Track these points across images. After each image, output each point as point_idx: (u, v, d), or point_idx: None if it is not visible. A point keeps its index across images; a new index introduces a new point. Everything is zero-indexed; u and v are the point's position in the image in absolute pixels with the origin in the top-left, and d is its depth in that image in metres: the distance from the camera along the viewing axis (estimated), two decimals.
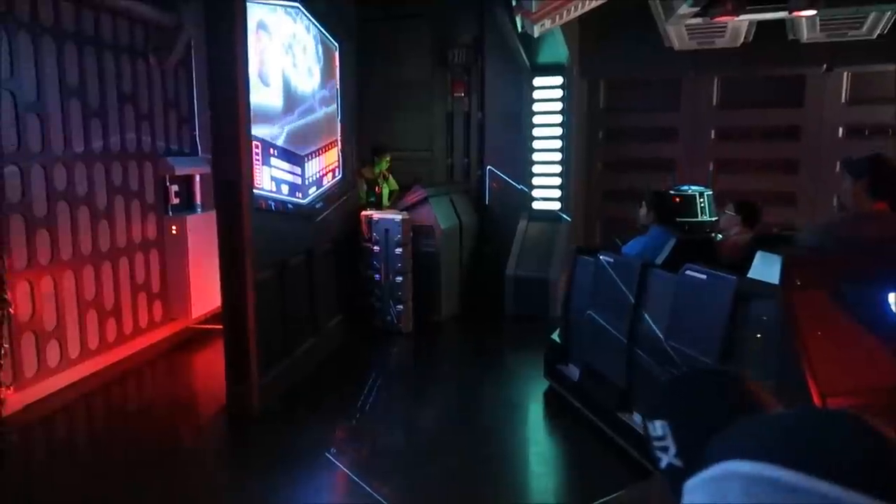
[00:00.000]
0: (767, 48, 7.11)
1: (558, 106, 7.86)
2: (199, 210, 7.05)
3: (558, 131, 7.90)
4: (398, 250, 6.73)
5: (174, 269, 6.76)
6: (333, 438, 4.77)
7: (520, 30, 6.15)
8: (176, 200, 6.87)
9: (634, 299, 4.32)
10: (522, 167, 8.15)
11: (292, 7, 5.81)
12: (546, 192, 8.03)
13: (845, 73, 7.31)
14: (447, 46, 8.36)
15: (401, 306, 6.81)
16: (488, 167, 8.42)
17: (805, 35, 6.51)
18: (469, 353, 6.98)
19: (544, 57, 7.76)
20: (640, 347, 4.24)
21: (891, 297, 3.13)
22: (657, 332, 4.03)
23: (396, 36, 8.49)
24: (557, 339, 5.53)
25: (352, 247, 7.05)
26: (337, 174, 6.95)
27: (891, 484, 0.47)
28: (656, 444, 0.68)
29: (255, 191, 4.98)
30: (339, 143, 6.99)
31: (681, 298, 3.88)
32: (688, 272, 3.84)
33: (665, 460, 0.67)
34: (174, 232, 6.69)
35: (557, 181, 7.96)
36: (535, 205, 8.06)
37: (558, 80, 7.82)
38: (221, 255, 4.77)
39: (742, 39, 6.73)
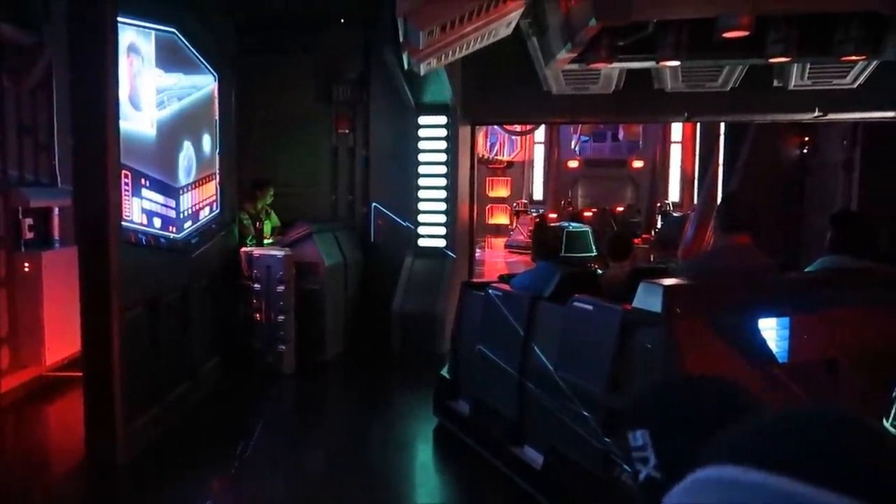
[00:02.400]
0: (636, 96, 7.59)
1: (442, 145, 7.97)
2: (56, 245, 6.45)
3: (443, 170, 7.99)
4: (280, 288, 6.46)
5: (25, 311, 6.11)
6: (210, 491, 4.42)
7: (406, 67, 6.20)
8: (30, 235, 6.26)
9: (524, 332, 4.33)
10: (408, 204, 8.15)
11: (167, 32, 5.54)
12: (431, 230, 8.05)
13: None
14: (332, 82, 8.29)
15: (283, 346, 6.51)
16: (373, 204, 8.36)
17: (669, 85, 7.02)
18: (355, 393, 6.77)
19: (429, 96, 7.87)
20: (530, 380, 4.25)
21: (760, 323, 3.29)
22: (547, 363, 4.06)
23: (280, 69, 8.32)
24: (446, 375, 5.45)
25: (231, 284, 6.69)
26: (214, 208, 6.62)
27: (880, 486, 0.44)
28: (635, 454, 0.64)
29: (123, 223, 4.61)
30: (217, 176, 6.68)
31: (569, 329, 3.94)
32: (575, 303, 3.91)
33: (644, 472, 0.63)
34: (27, 269, 6.07)
35: (442, 219, 8.02)
36: (421, 242, 8.06)
37: (442, 119, 7.94)
38: (83, 293, 4.35)
39: (613, 87, 7.15)
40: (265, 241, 7.27)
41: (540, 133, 29.81)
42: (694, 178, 24.46)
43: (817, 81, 6.65)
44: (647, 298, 3.37)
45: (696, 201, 21.15)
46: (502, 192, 31.16)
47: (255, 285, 6.54)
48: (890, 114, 7.21)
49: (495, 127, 25.01)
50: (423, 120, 8.00)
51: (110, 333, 4.34)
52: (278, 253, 6.53)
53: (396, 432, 5.58)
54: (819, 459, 0.46)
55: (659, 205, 24.86)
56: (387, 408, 6.33)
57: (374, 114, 8.32)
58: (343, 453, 5.22)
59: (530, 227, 20.14)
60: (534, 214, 22.66)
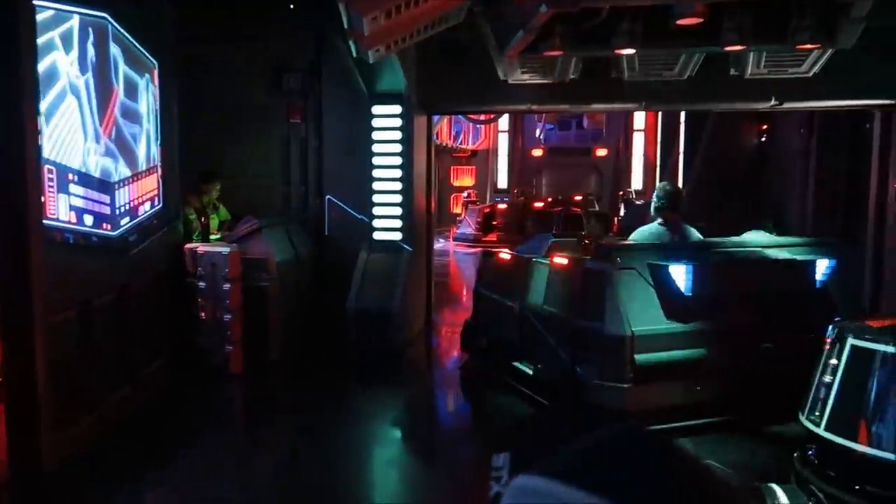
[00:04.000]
0: (593, 85, 7.47)
1: (397, 135, 7.75)
2: None
3: (398, 161, 7.78)
4: (226, 286, 6.20)
5: None
6: (146, 499, 4.19)
7: (354, 55, 5.97)
8: None
9: (524, 281, 5.90)
10: (363, 197, 7.93)
11: (99, 17, 5.22)
12: (387, 223, 7.85)
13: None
14: (282, 70, 8.01)
15: (230, 346, 6.26)
16: (327, 197, 8.12)
17: (626, 74, 6.90)
18: (307, 393, 6.55)
19: (383, 85, 7.64)
20: (526, 314, 5.77)
21: (671, 269, 4.84)
22: (538, 302, 5.68)
23: (227, 57, 8.00)
24: (471, 321, 6.98)
25: (175, 283, 6.41)
26: (156, 203, 6.32)
27: (642, 493, 0.53)
28: (494, 473, 0.72)
29: (49, 222, 4.33)
30: (159, 169, 6.37)
31: (552, 277, 5.61)
32: (556, 259, 5.66)
33: (495, 489, 0.70)
34: None
35: (398, 211, 7.81)
36: (376, 235, 7.85)
37: (397, 108, 7.71)
38: (1, 296, 4.06)
39: (570, 75, 7.01)
40: (212, 237, 7.00)
41: (504, 121, 29.66)
42: (656, 166, 24.60)
43: (773, 70, 6.59)
44: (600, 254, 5.21)
45: None
46: (467, 181, 30.98)
47: (200, 283, 6.27)
48: (844, 102, 7.21)
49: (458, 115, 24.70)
50: (377, 109, 7.76)
51: (32, 338, 4.07)
52: (223, 249, 6.27)
53: (350, 434, 5.39)
54: (591, 470, 0.56)
55: (621, 193, 24.95)
56: (339, 407, 6.13)
57: (326, 103, 8.07)
58: (290, 456, 5.03)
59: (478, 219, 19.86)
60: (481, 206, 21.92)
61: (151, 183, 6.25)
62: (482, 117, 27.22)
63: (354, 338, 7.36)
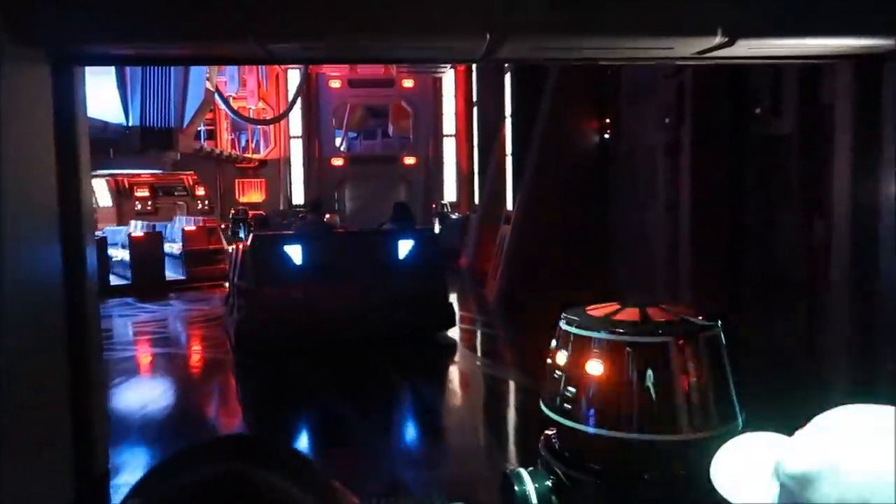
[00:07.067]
0: (392, 6, 3.72)
1: None
2: None
3: None
4: None
5: None
6: None
7: None
8: None
9: (235, 261, 10.46)
10: None
11: None
12: None
13: None
14: None
15: None
16: None
17: None
18: None
19: None
20: (234, 280, 10.12)
21: (287, 247, 9.28)
22: (234, 272, 10.25)
23: None
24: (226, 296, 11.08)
25: None
26: None
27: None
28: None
29: None
30: None
31: (238, 257, 10.15)
32: (239, 245, 10.59)
33: None
34: None
35: None
36: None
37: None
38: None
39: None
40: None
41: (296, 125, 25.39)
42: (472, 176, 21.77)
43: None
44: (252, 240, 9.78)
45: (477, 201, 18.33)
46: (256, 196, 26.22)
47: None
48: (828, 41, 4.07)
49: (220, 106, 19.86)
50: None
51: None
52: None
53: None
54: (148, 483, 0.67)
55: (434, 206, 21.78)
56: None
57: None
58: None
59: None
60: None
61: None
62: (268, 114, 22.73)
63: None
